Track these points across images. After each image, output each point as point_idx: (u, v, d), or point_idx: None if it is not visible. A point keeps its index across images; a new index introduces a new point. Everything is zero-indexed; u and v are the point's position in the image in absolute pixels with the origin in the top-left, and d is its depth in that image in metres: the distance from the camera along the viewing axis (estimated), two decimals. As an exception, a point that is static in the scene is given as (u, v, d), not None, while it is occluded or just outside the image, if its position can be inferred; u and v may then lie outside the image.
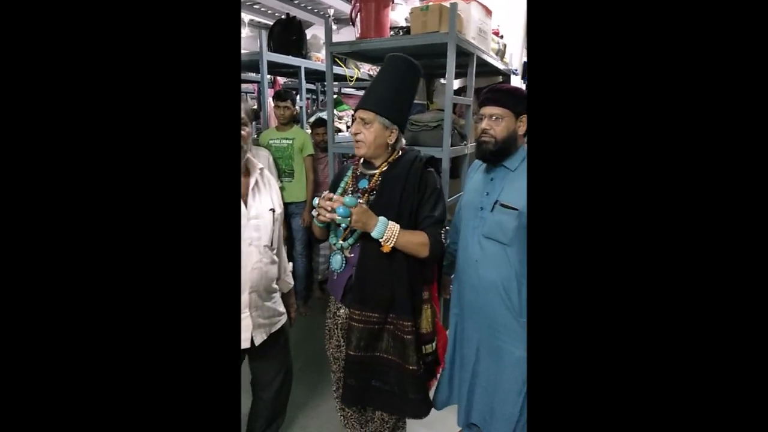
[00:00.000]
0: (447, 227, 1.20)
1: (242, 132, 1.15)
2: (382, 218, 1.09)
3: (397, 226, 1.09)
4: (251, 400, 1.47)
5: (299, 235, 2.65)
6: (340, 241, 1.19)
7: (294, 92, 2.69)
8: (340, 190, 1.24)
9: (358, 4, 2.28)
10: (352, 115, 1.22)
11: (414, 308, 1.16)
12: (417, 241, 1.11)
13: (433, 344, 1.27)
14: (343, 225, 1.11)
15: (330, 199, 1.07)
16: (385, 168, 1.18)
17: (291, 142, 2.53)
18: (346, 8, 5.75)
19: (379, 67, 1.35)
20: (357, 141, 1.16)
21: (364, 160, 1.23)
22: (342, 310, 1.26)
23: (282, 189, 2.49)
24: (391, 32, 2.26)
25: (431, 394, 1.33)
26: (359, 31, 2.30)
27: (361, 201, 1.12)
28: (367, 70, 3.62)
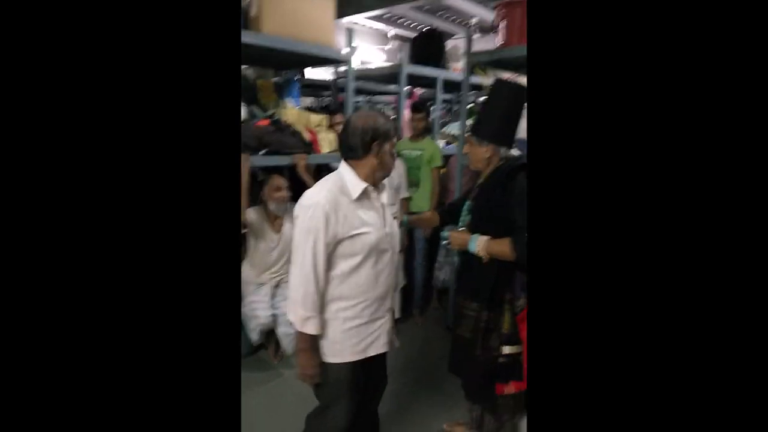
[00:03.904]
0: None
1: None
2: (474, 235, 1.31)
3: (485, 238, 1.28)
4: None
5: (420, 245, 2.65)
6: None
7: (429, 103, 2.71)
8: (469, 200, 1.48)
9: (503, 11, 2.17)
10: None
11: (492, 300, 1.32)
12: (500, 249, 1.25)
13: (515, 348, 1.33)
14: (459, 227, 1.45)
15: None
16: (486, 179, 1.39)
17: (421, 153, 2.55)
18: (489, 17, 5.61)
19: (520, 75, 1.51)
20: (468, 158, 1.46)
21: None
22: None
23: (408, 199, 2.52)
24: (538, 38, 2.09)
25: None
26: (502, 39, 2.18)
27: (462, 228, 1.41)
28: (507, 78, 3.44)
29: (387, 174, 1.20)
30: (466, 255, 1.38)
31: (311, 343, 1.16)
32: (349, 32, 2.39)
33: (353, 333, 1.18)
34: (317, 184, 1.18)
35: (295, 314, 1.12)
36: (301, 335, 1.14)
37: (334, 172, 1.19)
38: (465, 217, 1.44)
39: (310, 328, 1.12)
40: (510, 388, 1.36)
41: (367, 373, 1.26)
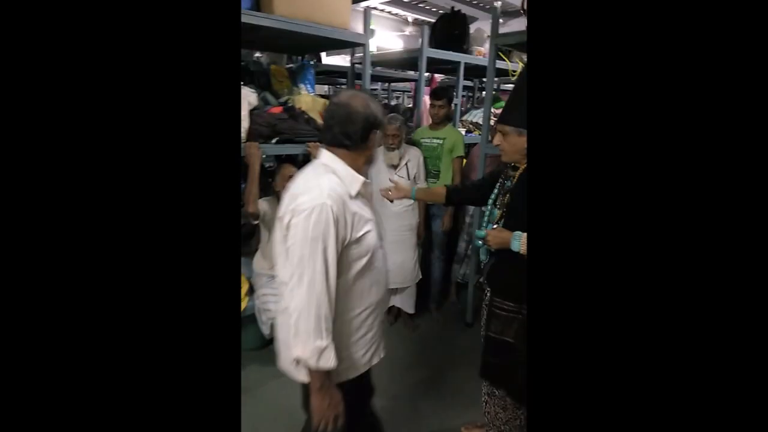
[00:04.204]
0: None
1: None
2: (516, 233, 1.19)
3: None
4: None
5: (438, 238, 2.55)
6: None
7: (452, 87, 2.57)
8: (496, 190, 1.37)
9: (532, -10, 2.02)
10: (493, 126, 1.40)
11: None
12: None
13: None
14: (485, 221, 1.36)
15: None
16: (523, 172, 1.27)
17: (441, 142, 2.43)
18: (514, 0, 5.37)
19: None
20: (500, 150, 1.31)
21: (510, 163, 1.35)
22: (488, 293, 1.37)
23: (427, 190, 2.41)
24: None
25: None
26: (531, 19, 2.04)
27: (496, 226, 1.29)
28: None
29: (371, 165, 1.09)
30: (502, 253, 1.27)
31: (329, 378, 0.94)
32: (366, 14, 2.27)
33: (360, 345, 1.04)
34: (303, 181, 0.98)
35: (306, 348, 0.87)
36: (315, 374, 0.91)
37: (319, 165, 1.00)
38: (493, 212, 1.35)
39: (328, 361, 0.89)
40: None
41: (360, 380, 1.11)
